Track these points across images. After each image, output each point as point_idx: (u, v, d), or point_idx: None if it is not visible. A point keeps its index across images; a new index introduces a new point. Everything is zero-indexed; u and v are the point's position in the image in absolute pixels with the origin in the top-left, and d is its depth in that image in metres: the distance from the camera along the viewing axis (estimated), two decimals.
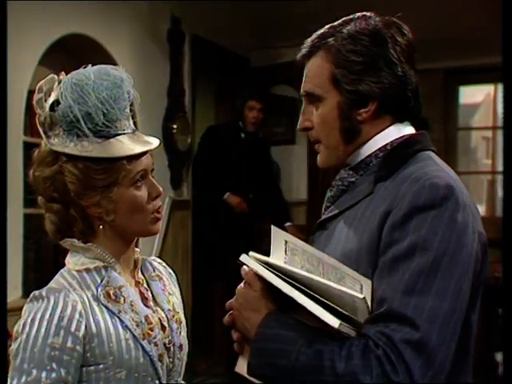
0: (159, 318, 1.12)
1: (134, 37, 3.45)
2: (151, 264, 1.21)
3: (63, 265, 1.12)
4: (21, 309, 1.05)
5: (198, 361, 4.14)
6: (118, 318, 1.05)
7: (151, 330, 1.08)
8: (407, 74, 1.02)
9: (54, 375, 0.97)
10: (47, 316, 0.99)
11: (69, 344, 0.99)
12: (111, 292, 1.06)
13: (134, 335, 1.05)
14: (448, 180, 0.94)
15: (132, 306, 1.07)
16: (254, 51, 4.49)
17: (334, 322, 0.88)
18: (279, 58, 4.48)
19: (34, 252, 2.83)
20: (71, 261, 1.09)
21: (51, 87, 1.08)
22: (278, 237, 1.03)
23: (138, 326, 1.06)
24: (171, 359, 1.11)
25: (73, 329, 1.00)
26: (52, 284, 1.07)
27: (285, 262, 1.00)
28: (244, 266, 1.01)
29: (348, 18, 1.07)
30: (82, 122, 1.03)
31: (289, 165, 4.52)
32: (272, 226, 1.04)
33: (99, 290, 1.05)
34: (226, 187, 3.76)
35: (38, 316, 1.00)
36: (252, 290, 0.99)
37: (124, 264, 1.12)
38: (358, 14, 1.07)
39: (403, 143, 1.02)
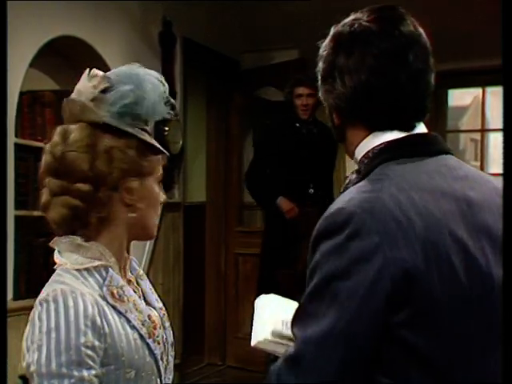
0: (159, 317, 1.14)
1: (126, 39, 3.45)
2: (136, 263, 1.22)
3: (54, 266, 1.08)
4: (12, 311, 1.03)
5: (189, 362, 4.14)
6: (125, 317, 1.04)
7: (154, 328, 1.09)
8: (362, 84, 0.97)
9: (93, 372, 0.97)
10: (72, 319, 0.96)
11: (96, 342, 0.98)
12: (115, 292, 1.05)
13: (140, 334, 1.05)
14: (358, 204, 0.90)
15: (135, 305, 1.08)
16: (244, 54, 4.51)
17: (253, 340, 1.02)
18: (269, 61, 4.50)
19: (24, 254, 2.82)
20: (68, 260, 1.05)
21: (104, 77, 1.09)
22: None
23: (143, 325, 1.07)
24: (166, 357, 1.13)
25: (97, 327, 0.99)
26: (59, 285, 1.01)
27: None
28: None
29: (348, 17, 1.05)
30: (140, 104, 1.06)
31: None
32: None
33: (104, 289, 1.04)
34: (284, 187, 3.58)
35: (62, 320, 0.96)
36: None
37: (120, 263, 1.12)
38: (354, 15, 1.03)
39: (376, 151, 1.00)
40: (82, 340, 0.96)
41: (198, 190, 4.63)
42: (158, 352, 1.08)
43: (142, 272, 1.21)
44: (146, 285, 1.19)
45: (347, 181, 1.06)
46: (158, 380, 1.09)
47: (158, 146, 1.12)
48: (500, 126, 4.15)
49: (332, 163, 3.77)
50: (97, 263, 1.06)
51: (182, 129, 3.87)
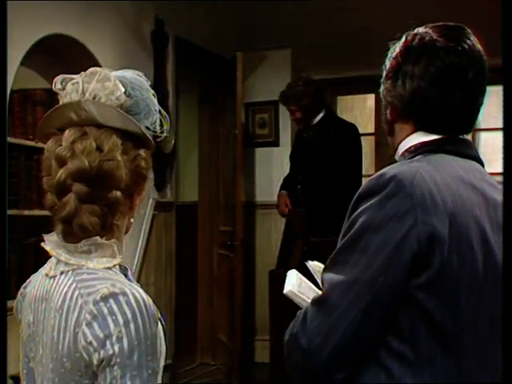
0: None
1: (118, 38, 3.44)
2: None
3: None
4: None
5: (181, 362, 4.14)
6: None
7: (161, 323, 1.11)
8: (421, 89, 1.08)
9: (161, 363, 0.99)
10: (143, 307, 0.96)
11: (157, 333, 0.99)
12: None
13: (163, 326, 1.06)
14: (399, 171, 1.01)
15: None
16: (237, 53, 4.51)
17: (285, 288, 1.08)
18: (262, 60, 4.50)
19: (15, 254, 2.80)
20: (90, 262, 1.02)
21: (118, 85, 1.07)
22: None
23: (159, 319, 1.08)
24: None
25: (156, 317, 0.99)
26: (111, 281, 0.99)
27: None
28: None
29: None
30: (156, 111, 1.08)
31: (272, 166, 4.54)
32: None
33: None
34: (285, 184, 3.87)
35: (136, 309, 0.95)
36: None
37: None
38: (426, 28, 1.14)
39: (418, 145, 1.11)
40: (154, 329, 0.97)
41: (190, 189, 4.63)
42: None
43: None
44: None
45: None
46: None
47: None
48: (491, 125, 4.18)
49: (332, 165, 3.70)
50: (114, 262, 1.05)
51: (175, 128, 3.86)
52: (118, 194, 1.02)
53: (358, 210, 1.01)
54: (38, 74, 3.23)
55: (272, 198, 4.23)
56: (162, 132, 1.11)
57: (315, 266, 1.23)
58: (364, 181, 4.38)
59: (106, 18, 3.35)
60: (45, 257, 1.10)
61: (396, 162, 1.15)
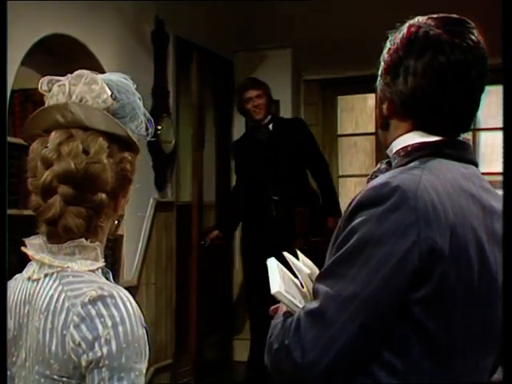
0: None
1: (118, 38, 3.44)
2: None
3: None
4: None
5: (181, 362, 4.14)
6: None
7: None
8: (423, 88, 1.03)
9: (146, 364, 0.99)
10: (130, 310, 0.98)
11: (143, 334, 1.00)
12: None
13: (146, 330, 1.06)
14: (402, 181, 0.97)
15: None
16: (237, 53, 4.51)
17: (273, 288, 1.01)
18: (262, 60, 4.50)
19: (16, 254, 2.80)
20: (74, 264, 1.03)
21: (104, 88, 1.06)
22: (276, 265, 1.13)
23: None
24: None
25: (143, 320, 1.00)
26: (97, 284, 1.01)
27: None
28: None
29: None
30: (137, 116, 1.07)
31: None
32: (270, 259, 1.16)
33: None
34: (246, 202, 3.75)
35: (124, 312, 0.97)
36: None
37: None
38: (428, 19, 1.10)
39: (415, 147, 1.07)
40: (141, 332, 0.98)
41: (190, 189, 4.62)
42: None
43: None
44: None
45: (376, 168, 1.13)
46: None
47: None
48: (491, 125, 4.18)
49: (305, 154, 3.78)
50: (96, 265, 1.06)
51: (175, 128, 3.86)
52: (104, 196, 1.02)
53: (358, 220, 0.97)
54: (38, 74, 3.23)
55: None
56: (147, 135, 1.10)
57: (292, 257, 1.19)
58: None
59: (106, 18, 3.35)
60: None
61: (388, 157, 1.13)
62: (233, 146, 4.11)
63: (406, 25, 1.09)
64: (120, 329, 0.95)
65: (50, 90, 1.08)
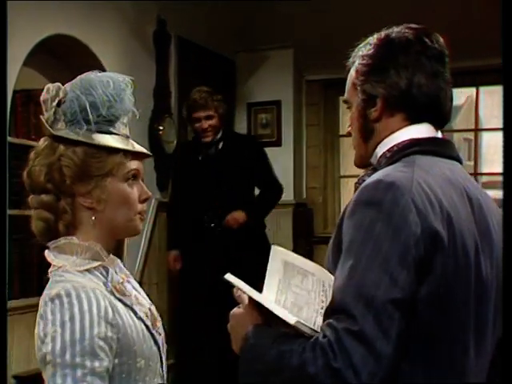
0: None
1: (120, 38, 3.45)
2: (121, 264, 1.25)
3: (47, 266, 1.12)
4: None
5: (184, 362, 4.13)
6: (132, 309, 1.10)
7: (155, 320, 1.15)
8: (415, 77, 1.08)
9: (105, 364, 1.00)
10: (86, 309, 1.00)
11: (109, 333, 1.02)
12: (117, 287, 1.11)
13: (146, 325, 1.10)
14: (396, 178, 0.98)
15: (137, 299, 1.14)
16: (239, 53, 4.51)
17: (290, 319, 0.94)
18: (264, 60, 4.50)
19: (18, 254, 2.81)
20: (66, 262, 1.09)
21: (59, 89, 1.12)
22: (276, 258, 1.05)
23: (147, 316, 1.12)
24: (162, 348, 1.18)
25: (110, 319, 1.03)
26: (67, 283, 1.05)
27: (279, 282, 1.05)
28: (235, 289, 1.08)
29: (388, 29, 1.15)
30: (88, 109, 1.09)
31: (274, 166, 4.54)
32: (272, 247, 1.08)
33: (108, 285, 1.09)
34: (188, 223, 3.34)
35: (76, 311, 1.00)
36: (241, 310, 1.07)
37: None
38: (401, 26, 1.14)
39: (401, 146, 1.09)
40: (96, 331, 1.00)
41: None
42: (160, 342, 1.14)
43: (128, 272, 1.25)
44: (134, 283, 1.24)
45: (363, 173, 1.14)
46: (161, 369, 1.15)
47: (112, 144, 1.12)
48: (493, 125, 4.18)
49: (261, 169, 3.42)
50: (96, 264, 1.10)
51: (177, 128, 3.86)
52: (45, 197, 1.10)
53: (357, 220, 0.97)
54: (40, 75, 3.24)
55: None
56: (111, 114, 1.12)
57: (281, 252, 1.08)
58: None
59: (108, 18, 3.35)
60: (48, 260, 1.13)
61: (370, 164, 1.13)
62: (178, 148, 3.66)
63: (376, 35, 1.15)
64: (67, 326, 0.98)
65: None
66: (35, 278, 2.82)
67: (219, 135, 3.37)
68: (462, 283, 0.99)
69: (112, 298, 1.08)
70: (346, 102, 1.18)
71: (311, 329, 0.96)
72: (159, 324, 1.16)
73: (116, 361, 1.04)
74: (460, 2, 3.81)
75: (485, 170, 4.96)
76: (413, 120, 1.10)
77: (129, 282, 1.20)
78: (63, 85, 1.13)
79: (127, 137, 1.15)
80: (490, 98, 4.57)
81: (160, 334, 1.15)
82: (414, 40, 1.10)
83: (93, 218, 1.10)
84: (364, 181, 1.06)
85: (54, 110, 1.10)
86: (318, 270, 1.03)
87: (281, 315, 0.95)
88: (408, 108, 1.09)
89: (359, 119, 1.13)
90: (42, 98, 1.12)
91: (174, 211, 3.50)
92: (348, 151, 4.78)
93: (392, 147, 1.09)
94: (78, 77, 1.14)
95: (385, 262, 0.93)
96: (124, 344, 1.05)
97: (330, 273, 1.03)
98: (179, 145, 3.74)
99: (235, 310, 1.07)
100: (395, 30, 1.12)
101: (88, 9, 3.15)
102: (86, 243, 1.10)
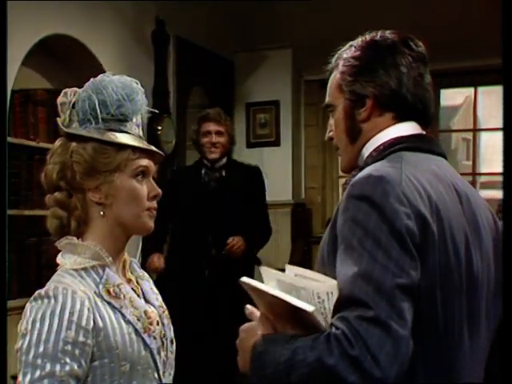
0: (158, 314, 1.18)
1: (119, 38, 3.44)
2: (136, 265, 1.28)
3: (46, 266, 1.14)
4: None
5: None
6: (120, 312, 1.10)
7: (151, 324, 1.14)
8: (404, 77, 1.11)
9: (67, 368, 1.00)
10: (57, 312, 1.02)
11: (81, 338, 1.02)
12: (111, 289, 1.11)
13: (135, 329, 1.10)
14: (384, 173, 1.00)
15: (131, 301, 1.13)
16: (238, 53, 4.51)
17: (308, 307, 0.94)
18: (263, 60, 4.51)
19: (16, 254, 2.81)
20: (67, 261, 1.12)
21: (75, 92, 1.17)
22: (270, 277, 1.06)
23: (138, 320, 1.12)
24: (165, 352, 1.17)
25: (83, 323, 1.03)
26: (55, 283, 1.08)
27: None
28: (246, 308, 1.08)
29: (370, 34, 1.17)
30: (97, 107, 1.12)
31: (273, 166, 4.54)
32: (261, 268, 1.08)
33: (100, 287, 1.10)
34: (184, 247, 3.16)
35: (48, 313, 1.02)
36: (252, 322, 1.06)
37: (117, 263, 1.18)
38: (383, 31, 1.16)
39: (387, 144, 1.10)
40: (63, 335, 1.01)
41: None
42: (154, 346, 1.13)
43: (142, 273, 1.27)
44: (147, 285, 1.24)
45: (351, 175, 1.14)
46: (156, 374, 1.13)
47: (121, 141, 1.14)
48: (491, 125, 4.18)
49: (258, 206, 3.26)
50: (93, 263, 1.11)
51: (175, 128, 3.86)
52: (57, 194, 1.14)
53: (351, 215, 0.98)
54: (39, 74, 3.23)
55: (273, 197, 4.23)
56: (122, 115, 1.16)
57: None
58: None
59: (106, 18, 3.35)
60: (46, 256, 1.15)
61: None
62: (173, 175, 3.47)
63: (359, 38, 1.16)
64: (37, 326, 1.00)
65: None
66: (33, 278, 2.82)
67: (224, 160, 3.20)
68: (452, 275, 1.00)
69: (99, 300, 1.08)
70: (328, 106, 1.19)
71: (326, 322, 0.95)
72: (155, 327, 1.14)
73: (96, 363, 1.05)
74: (459, 2, 3.81)
75: (483, 170, 4.96)
76: (400, 118, 1.12)
77: (138, 283, 1.21)
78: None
79: (139, 137, 1.19)
80: (488, 98, 4.58)
81: (155, 338, 1.13)
82: (398, 42, 1.13)
83: (101, 212, 1.13)
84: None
85: (69, 111, 1.15)
86: (309, 283, 1.01)
87: (299, 305, 0.94)
88: (397, 107, 1.11)
89: (346, 121, 1.14)
90: (58, 101, 1.17)
91: (164, 232, 3.24)
92: None
93: (379, 146, 1.11)
94: (92, 79, 1.18)
95: (386, 252, 0.93)
96: (105, 347, 1.05)
97: (325, 273, 1.01)
98: (179, 168, 3.64)
99: (245, 324, 1.06)
100: (379, 34, 1.15)
101: (86, 9, 3.14)
102: (84, 243, 1.12)
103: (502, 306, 1.03)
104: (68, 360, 1.00)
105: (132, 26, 3.55)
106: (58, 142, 1.17)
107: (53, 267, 1.16)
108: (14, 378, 2.61)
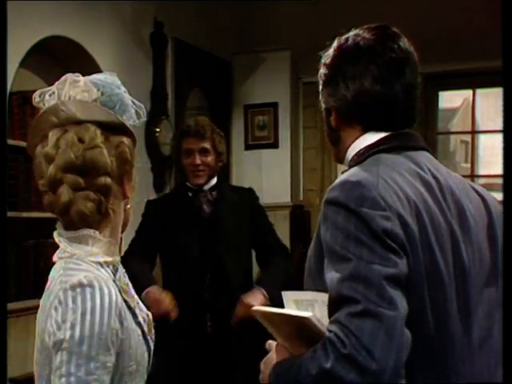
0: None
1: (117, 40, 3.44)
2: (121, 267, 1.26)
3: (44, 268, 1.13)
4: None
5: None
6: (134, 313, 1.10)
7: (151, 327, 1.16)
8: (366, 87, 1.10)
9: (113, 359, 1.01)
10: (106, 303, 1.01)
11: (119, 332, 1.03)
12: (124, 288, 1.12)
13: (143, 331, 1.11)
14: (362, 178, 1.01)
15: (138, 303, 1.15)
16: (236, 55, 4.51)
17: (305, 314, 0.97)
18: (261, 62, 4.51)
19: (14, 256, 2.80)
20: (82, 251, 1.08)
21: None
22: (288, 299, 1.08)
23: (144, 322, 1.13)
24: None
25: (122, 317, 1.04)
26: (87, 273, 1.04)
27: None
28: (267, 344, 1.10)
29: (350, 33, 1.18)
30: (125, 105, 1.14)
31: (271, 168, 4.55)
32: (282, 293, 1.08)
33: (117, 283, 1.10)
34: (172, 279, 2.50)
35: (98, 303, 1.00)
36: (269, 354, 1.08)
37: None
38: (356, 30, 1.17)
39: (366, 148, 1.12)
40: (111, 327, 1.00)
41: None
42: (152, 349, 1.15)
43: (124, 275, 1.23)
44: (132, 288, 1.24)
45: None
46: (146, 375, 1.15)
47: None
48: (490, 127, 4.19)
49: (254, 231, 2.60)
50: (110, 259, 1.11)
51: (173, 130, 3.86)
52: (108, 179, 1.09)
53: (331, 222, 0.99)
54: (37, 76, 3.23)
55: (272, 199, 4.24)
56: (138, 119, 1.18)
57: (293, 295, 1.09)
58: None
59: (105, 19, 3.35)
60: (44, 258, 1.14)
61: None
62: (149, 207, 2.65)
63: (336, 40, 1.18)
64: (87, 317, 0.99)
65: (42, 101, 1.14)
66: (31, 280, 2.81)
67: (213, 183, 2.57)
68: (440, 272, 1.00)
69: (120, 297, 1.08)
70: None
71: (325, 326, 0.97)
72: (153, 332, 1.17)
73: (116, 359, 1.05)
74: (459, 5, 3.82)
75: (482, 172, 4.97)
76: (368, 129, 1.13)
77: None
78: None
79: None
80: (487, 101, 4.58)
81: (153, 341, 1.16)
82: (372, 45, 1.12)
83: (127, 206, 1.15)
84: None
85: (95, 98, 1.13)
86: (318, 294, 1.04)
87: (295, 313, 0.98)
88: (360, 118, 1.13)
89: (326, 126, 1.19)
90: (66, 90, 1.13)
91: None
92: None
93: (359, 151, 1.13)
94: (103, 76, 1.18)
95: (370, 249, 0.95)
96: (123, 346, 1.05)
97: (315, 287, 1.04)
98: (157, 200, 2.88)
99: (266, 357, 1.09)
100: (351, 37, 1.15)
101: (84, 10, 3.14)
102: (105, 238, 1.11)
103: (503, 306, 1.03)
104: (113, 351, 1.01)
105: (130, 27, 3.55)
106: (86, 127, 1.08)
107: (51, 269, 1.14)
108: (12, 380, 2.60)
